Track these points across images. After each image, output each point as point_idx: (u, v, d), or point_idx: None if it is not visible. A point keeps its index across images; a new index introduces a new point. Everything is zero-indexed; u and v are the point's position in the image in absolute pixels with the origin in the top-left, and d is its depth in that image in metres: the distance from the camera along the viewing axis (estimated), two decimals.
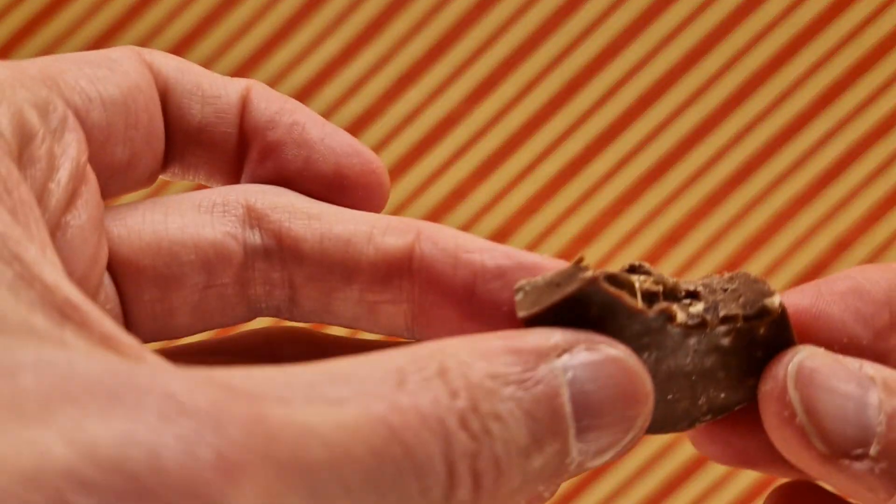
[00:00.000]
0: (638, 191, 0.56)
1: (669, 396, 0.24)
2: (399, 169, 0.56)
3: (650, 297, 0.23)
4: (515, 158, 0.56)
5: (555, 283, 0.22)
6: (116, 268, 0.25)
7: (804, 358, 0.24)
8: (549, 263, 0.24)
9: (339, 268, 0.25)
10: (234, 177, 0.27)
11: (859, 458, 0.23)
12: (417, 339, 0.26)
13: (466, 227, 0.56)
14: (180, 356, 0.26)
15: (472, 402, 0.19)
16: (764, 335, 0.24)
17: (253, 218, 0.26)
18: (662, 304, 0.22)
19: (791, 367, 0.24)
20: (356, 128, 0.56)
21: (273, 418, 0.17)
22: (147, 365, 0.18)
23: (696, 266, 0.55)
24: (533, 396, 0.20)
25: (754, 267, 0.55)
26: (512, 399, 0.20)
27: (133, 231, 0.25)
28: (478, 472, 0.19)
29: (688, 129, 0.56)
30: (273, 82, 0.55)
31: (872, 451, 0.23)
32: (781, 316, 0.24)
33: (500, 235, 0.56)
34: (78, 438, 0.16)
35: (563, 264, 0.24)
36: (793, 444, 0.24)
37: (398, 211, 0.55)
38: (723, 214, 0.56)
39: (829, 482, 0.24)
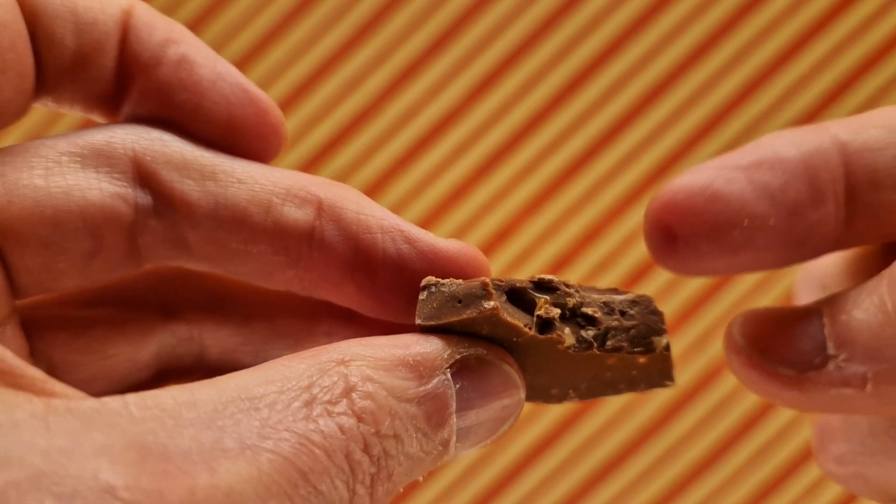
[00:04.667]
0: (641, 190, 0.55)
1: (553, 391, 0.26)
2: (398, 167, 0.56)
3: (547, 322, 0.24)
4: (516, 157, 0.56)
5: (457, 297, 0.23)
6: None
7: (741, 314, 0.25)
8: (448, 249, 0.25)
9: (235, 237, 0.24)
10: (114, 109, 0.25)
11: (823, 362, 0.23)
12: (312, 296, 0.26)
13: (466, 226, 0.55)
14: (65, 306, 0.26)
15: (375, 427, 0.20)
16: (643, 364, 0.25)
17: (142, 176, 0.24)
18: (553, 335, 0.23)
19: (735, 324, 0.25)
20: (354, 125, 0.56)
21: (200, 491, 0.18)
22: (60, 419, 0.18)
23: None
24: (426, 413, 0.21)
25: None
26: (409, 417, 0.21)
27: (12, 196, 0.23)
28: (374, 486, 0.20)
29: (692, 127, 0.55)
30: (270, 79, 0.55)
31: (830, 349, 0.23)
32: (664, 355, 0.25)
33: (501, 235, 0.55)
34: None
35: (462, 248, 0.25)
36: (763, 383, 0.24)
37: (398, 210, 0.55)
38: None
39: (815, 404, 0.24)
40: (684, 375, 0.55)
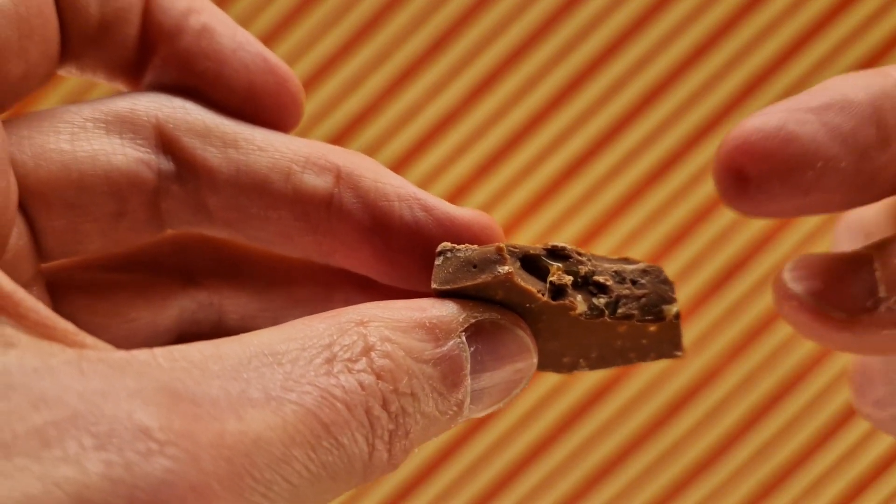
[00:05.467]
0: (642, 189, 0.55)
1: (564, 359, 0.26)
2: (398, 167, 0.56)
3: (560, 288, 0.24)
4: (517, 156, 0.56)
5: (472, 262, 0.24)
6: (24, 199, 0.24)
7: (792, 261, 0.25)
8: (463, 217, 0.25)
9: (256, 203, 0.25)
10: (136, 77, 0.26)
11: (875, 305, 0.24)
12: (330, 263, 0.26)
13: None
14: (88, 270, 0.26)
15: (394, 384, 0.21)
16: (653, 332, 0.25)
17: (165, 142, 0.25)
18: (565, 301, 0.24)
19: (786, 270, 0.25)
20: (355, 125, 0.56)
21: (229, 436, 0.18)
22: (93, 365, 0.18)
23: (698, 266, 0.55)
24: (442, 374, 0.22)
25: (757, 267, 0.55)
26: (425, 377, 0.22)
27: (39, 159, 0.24)
28: (392, 442, 0.21)
29: (693, 127, 0.55)
30: None
31: (881, 292, 0.24)
32: (674, 323, 0.25)
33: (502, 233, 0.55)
34: (63, 480, 0.16)
35: (477, 216, 0.25)
36: (815, 326, 0.25)
37: None
38: (727, 214, 0.55)
39: (866, 346, 0.25)
40: (684, 375, 0.55)
